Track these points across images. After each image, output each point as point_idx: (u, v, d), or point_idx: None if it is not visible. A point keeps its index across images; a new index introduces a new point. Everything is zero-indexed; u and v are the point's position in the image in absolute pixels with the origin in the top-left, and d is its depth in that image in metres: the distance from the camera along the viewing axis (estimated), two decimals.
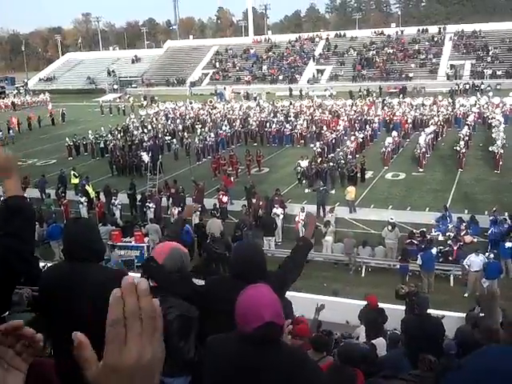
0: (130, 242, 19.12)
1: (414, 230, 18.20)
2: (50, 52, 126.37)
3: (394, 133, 32.55)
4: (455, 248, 17.03)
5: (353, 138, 31.79)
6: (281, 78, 68.89)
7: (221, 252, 16.62)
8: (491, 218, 18.71)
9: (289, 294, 4.69)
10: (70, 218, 3.72)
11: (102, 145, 35.76)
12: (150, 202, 22.31)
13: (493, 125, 33.61)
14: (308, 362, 2.49)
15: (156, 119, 44.19)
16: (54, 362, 3.28)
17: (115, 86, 74.44)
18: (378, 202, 23.93)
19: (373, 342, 6.85)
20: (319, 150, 29.90)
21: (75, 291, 3.10)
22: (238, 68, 73.77)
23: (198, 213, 21.38)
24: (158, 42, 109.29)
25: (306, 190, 25.12)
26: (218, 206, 22.22)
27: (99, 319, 3.18)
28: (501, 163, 27.23)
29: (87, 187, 24.79)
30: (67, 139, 36.47)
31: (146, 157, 29.30)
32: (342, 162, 26.94)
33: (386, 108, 41.35)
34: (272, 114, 41.71)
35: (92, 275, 3.18)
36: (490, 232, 18.04)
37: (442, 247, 17.17)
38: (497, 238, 17.56)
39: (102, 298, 3.17)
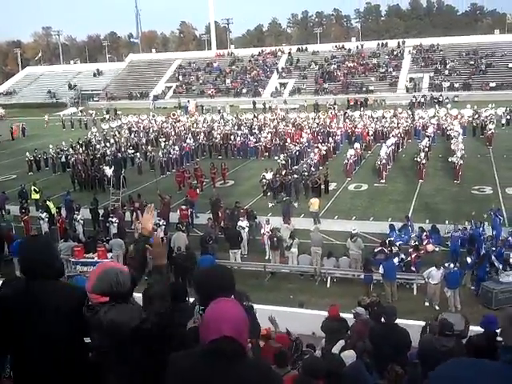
0: (93, 257, 18.76)
1: (386, 240, 18.38)
2: (10, 66, 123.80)
3: (356, 145, 33.07)
4: (413, 257, 17.31)
5: (316, 150, 32.11)
6: (244, 91, 69.28)
7: (187, 266, 16.49)
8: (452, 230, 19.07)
9: (256, 307, 4.67)
10: (27, 237, 3.64)
11: (63, 159, 35.17)
12: (113, 217, 21.96)
13: (451, 136, 34.48)
14: (272, 376, 2.45)
15: (119, 133, 43.78)
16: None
17: (76, 100, 73.45)
18: (341, 212, 24.19)
19: (342, 354, 6.88)
20: (283, 162, 30.11)
21: (37, 309, 3.03)
22: (201, 81, 73.88)
23: (163, 227, 21.24)
24: (120, 56, 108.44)
25: (270, 205, 25.14)
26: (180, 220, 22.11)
27: (64, 335, 3.14)
28: (460, 173, 27.92)
29: (48, 202, 24.30)
30: (27, 154, 35.77)
31: (108, 171, 28.95)
32: (306, 173, 27.19)
33: (347, 120, 41.97)
34: (236, 127, 41.85)
35: (54, 293, 3.12)
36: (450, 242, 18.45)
37: (403, 257, 17.42)
38: (457, 248, 17.98)
39: (65, 313, 3.13)
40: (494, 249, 17.18)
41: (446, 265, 16.05)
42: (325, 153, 32.80)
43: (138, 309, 3.16)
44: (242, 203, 23.38)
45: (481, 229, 18.67)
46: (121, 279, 3.13)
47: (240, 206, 22.46)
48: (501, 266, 15.81)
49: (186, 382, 2.29)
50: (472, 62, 64.97)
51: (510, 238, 18.40)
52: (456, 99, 55.19)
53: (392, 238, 18.78)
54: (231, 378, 2.22)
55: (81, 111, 64.85)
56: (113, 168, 28.73)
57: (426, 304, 15.61)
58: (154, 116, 50.46)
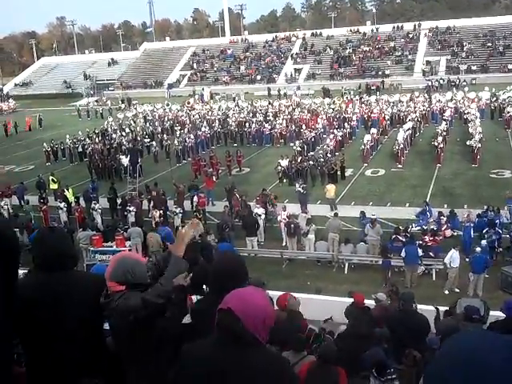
0: (112, 246, 18.91)
1: (400, 227, 18.25)
2: (25, 57, 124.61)
3: (373, 130, 32.81)
4: (429, 241, 17.18)
5: (332, 136, 31.92)
6: (259, 77, 68.92)
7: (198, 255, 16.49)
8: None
9: (273, 294, 4.67)
10: (41, 229, 3.72)
11: (80, 149, 35.42)
12: (130, 206, 22.13)
13: (469, 119, 34.02)
14: (286, 368, 2.42)
15: (134, 122, 43.94)
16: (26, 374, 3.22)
17: (92, 90, 73.79)
18: (358, 198, 24.07)
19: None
20: (299, 148, 29.98)
21: (60, 301, 3.06)
22: (215, 69, 73.64)
23: (180, 215, 21.37)
24: (134, 45, 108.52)
25: (297, 187, 23.42)
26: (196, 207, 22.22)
27: (85, 324, 3.17)
28: (478, 157, 27.59)
29: (66, 192, 24.54)
30: (45, 144, 36.07)
31: (125, 160, 29.08)
32: (322, 160, 27.06)
33: (363, 105, 41.60)
34: (251, 114, 41.70)
35: (73, 283, 3.15)
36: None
37: (420, 242, 17.28)
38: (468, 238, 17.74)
39: (88, 303, 3.16)
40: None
41: (474, 249, 15.82)
42: (341, 139, 32.58)
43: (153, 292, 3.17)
44: (258, 190, 23.35)
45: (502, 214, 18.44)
46: (136, 270, 3.18)
47: (267, 193, 22.45)
48: None
49: (199, 370, 2.28)
50: (489, 44, 63.82)
51: None
52: (473, 82, 54.34)
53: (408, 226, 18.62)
54: (243, 365, 2.20)
55: (96, 101, 65.20)
56: (129, 157, 28.85)
57: (446, 292, 15.44)
58: (168, 105, 50.50)
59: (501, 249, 17.00)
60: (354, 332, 6.01)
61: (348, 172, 27.58)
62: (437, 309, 9.05)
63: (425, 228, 18.50)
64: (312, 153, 29.96)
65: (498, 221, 17.92)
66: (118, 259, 3.23)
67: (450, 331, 6.23)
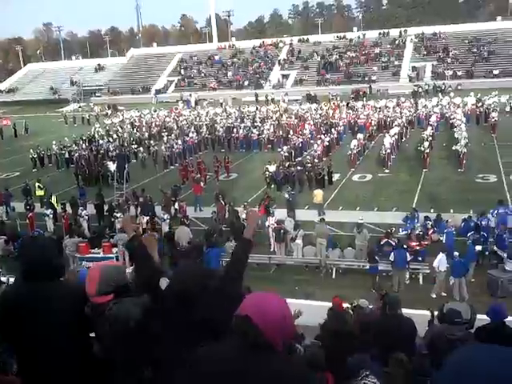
0: (99, 253, 18.82)
1: (391, 230, 18.32)
2: (12, 63, 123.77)
3: (359, 135, 32.99)
4: (416, 246, 17.29)
5: (319, 141, 32.05)
6: (246, 83, 69.05)
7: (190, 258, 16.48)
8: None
9: None
10: (25, 238, 3.68)
11: (66, 155, 35.22)
12: (117, 212, 22.02)
13: (455, 125, 34.32)
14: (306, 376, 2.39)
15: (121, 128, 43.81)
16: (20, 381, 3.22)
17: (78, 96, 73.43)
18: (345, 203, 24.15)
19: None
20: (286, 154, 30.08)
21: (41, 311, 3.04)
22: (203, 75, 73.68)
23: (168, 221, 21.30)
24: (122, 51, 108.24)
25: (286, 195, 23.68)
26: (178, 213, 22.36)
27: (67, 334, 3.17)
28: (464, 162, 27.83)
29: (51, 199, 24.39)
30: (31, 151, 35.82)
31: (112, 166, 28.97)
32: (310, 165, 27.14)
33: (350, 111, 41.82)
34: (239, 120, 41.75)
35: (57, 293, 3.13)
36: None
37: (405, 247, 17.36)
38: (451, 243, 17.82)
39: (68, 313, 3.16)
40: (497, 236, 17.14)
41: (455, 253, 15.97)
42: (328, 144, 32.72)
43: (142, 302, 3.18)
44: (245, 196, 23.35)
45: (489, 217, 18.58)
46: (118, 276, 3.21)
47: (269, 197, 22.56)
48: (505, 255, 15.73)
49: (219, 372, 2.27)
50: (474, 50, 64.54)
51: None
52: (459, 87, 54.83)
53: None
54: (263, 368, 2.20)
55: (82, 107, 64.90)
56: (116, 163, 28.73)
57: (433, 296, 15.52)
58: (155, 110, 50.42)
59: (487, 252, 17.11)
60: (334, 330, 5.99)
61: (335, 177, 27.68)
62: (432, 312, 9.08)
63: (411, 232, 18.58)
64: (299, 158, 30.05)
65: (483, 224, 18.05)
66: (100, 271, 3.20)
67: (436, 335, 6.27)
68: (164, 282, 3.28)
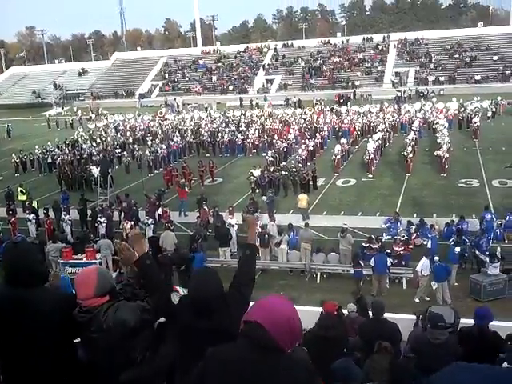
0: (82, 258, 18.65)
1: (373, 236, 18.43)
2: None
3: (343, 140, 33.14)
4: (400, 250, 17.43)
5: (303, 146, 32.15)
6: (231, 88, 69.11)
7: (174, 264, 16.42)
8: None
9: None
10: (7, 244, 3.66)
11: (49, 160, 34.91)
12: (101, 217, 21.86)
13: (437, 130, 34.65)
14: (313, 372, 2.45)
15: (105, 132, 43.56)
16: None
17: (61, 100, 72.92)
18: (330, 208, 24.25)
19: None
20: (271, 158, 30.13)
21: (23, 316, 3.03)
22: (187, 79, 73.60)
23: (152, 226, 21.21)
24: (106, 54, 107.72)
25: (264, 198, 24.31)
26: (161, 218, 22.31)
27: (52, 339, 3.16)
28: (447, 167, 28.11)
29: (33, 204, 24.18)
30: (13, 155, 35.44)
31: (95, 170, 28.79)
32: (294, 170, 27.22)
33: (334, 116, 42.04)
34: (223, 124, 41.75)
35: (40, 299, 3.12)
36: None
37: (389, 251, 17.49)
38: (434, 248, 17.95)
39: (52, 319, 3.15)
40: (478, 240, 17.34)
41: (436, 258, 16.13)
42: (312, 149, 32.84)
43: (138, 304, 3.24)
44: (230, 201, 23.34)
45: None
46: (111, 275, 3.26)
47: (254, 201, 22.63)
48: (487, 259, 15.91)
49: (229, 373, 2.30)
50: (457, 56, 65.33)
51: (497, 231, 18.54)
52: (442, 93, 55.46)
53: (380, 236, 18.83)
54: (272, 369, 2.25)
55: (63, 111, 64.43)
56: (100, 168, 28.55)
57: (417, 300, 15.63)
58: (140, 115, 50.23)
59: (466, 254, 17.27)
60: (320, 335, 6.03)
61: (320, 182, 27.78)
62: (417, 315, 9.14)
63: (395, 237, 18.71)
64: (284, 163, 30.11)
65: (464, 228, 18.25)
66: (96, 273, 3.20)
67: (419, 340, 6.32)
68: (175, 297, 3.36)
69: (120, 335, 3.01)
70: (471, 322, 6.68)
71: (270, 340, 2.25)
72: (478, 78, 59.90)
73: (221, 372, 2.33)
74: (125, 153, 35.13)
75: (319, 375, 2.71)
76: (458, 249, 16.59)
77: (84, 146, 37.74)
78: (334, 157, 30.32)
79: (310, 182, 26.63)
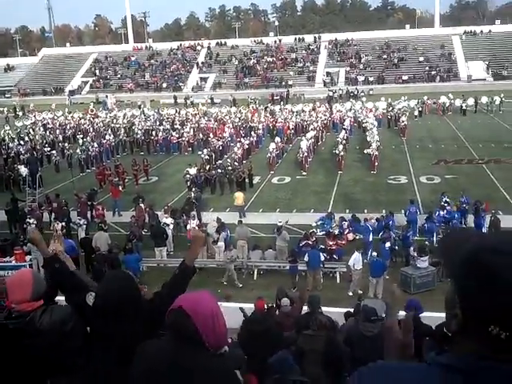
0: (10, 261, 17.92)
1: (310, 231, 18.77)
2: None
3: (278, 138, 33.54)
4: (332, 245, 17.92)
5: (239, 144, 32.30)
6: (165, 85, 68.33)
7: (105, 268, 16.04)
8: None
9: None
10: None
11: None
12: (30, 218, 21.08)
13: (367, 128, 35.72)
14: (232, 376, 2.45)
15: (33, 130, 42.03)
16: None
17: None
18: (266, 205, 24.52)
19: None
20: (207, 157, 30.08)
21: None
22: (119, 76, 72.12)
23: (84, 226, 20.69)
24: (33, 50, 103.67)
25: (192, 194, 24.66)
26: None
27: None
28: (376, 164, 29.03)
29: None
30: None
31: (23, 170, 27.76)
32: (230, 168, 27.32)
33: (268, 115, 42.46)
34: (158, 122, 41.26)
35: None
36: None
37: (323, 246, 17.92)
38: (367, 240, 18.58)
39: None
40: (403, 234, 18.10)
41: (371, 254, 16.66)
42: (247, 147, 33.05)
43: (68, 307, 3.19)
44: (166, 199, 23.12)
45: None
46: (43, 277, 3.18)
47: (191, 201, 22.46)
48: (415, 253, 16.58)
49: (156, 368, 2.28)
50: (385, 56, 67.55)
51: (425, 225, 19.32)
52: (371, 92, 57.16)
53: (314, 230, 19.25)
54: (197, 365, 2.23)
55: None
56: (28, 167, 27.54)
57: (350, 294, 16.08)
58: (70, 112, 48.76)
59: (396, 247, 17.95)
60: (249, 329, 6.12)
61: (256, 180, 28.01)
62: (355, 308, 9.43)
63: (329, 232, 19.16)
64: (220, 161, 30.14)
65: (390, 224, 18.96)
66: (32, 278, 3.12)
67: (352, 332, 6.56)
68: (91, 298, 3.18)
69: (58, 338, 2.95)
70: (403, 313, 6.99)
71: (193, 329, 2.23)
72: (405, 78, 62.20)
73: (149, 367, 2.32)
74: (54, 151, 33.99)
75: (239, 378, 2.71)
76: (388, 244, 17.22)
77: (11, 145, 36.29)
78: (268, 155, 30.64)
79: (246, 180, 26.82)
